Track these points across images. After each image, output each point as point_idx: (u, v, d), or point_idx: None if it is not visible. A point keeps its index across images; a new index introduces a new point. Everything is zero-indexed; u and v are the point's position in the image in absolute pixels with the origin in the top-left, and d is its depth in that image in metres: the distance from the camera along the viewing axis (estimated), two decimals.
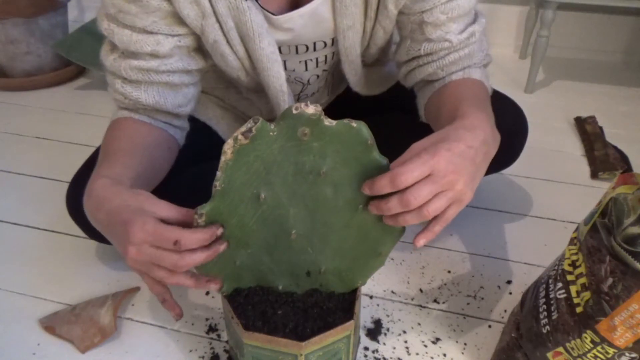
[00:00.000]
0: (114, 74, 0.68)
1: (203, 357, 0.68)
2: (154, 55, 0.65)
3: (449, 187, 0.51)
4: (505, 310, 0.76)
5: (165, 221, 0.51)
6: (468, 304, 0.77)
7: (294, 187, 0.53)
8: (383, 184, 0.50)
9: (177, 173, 0.74)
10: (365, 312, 0.75)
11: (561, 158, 1.17)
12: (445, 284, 0.80)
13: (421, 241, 0.55)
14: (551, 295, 0.55)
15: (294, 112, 0.47)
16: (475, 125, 0.55)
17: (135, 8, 0.61)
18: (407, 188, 0.49)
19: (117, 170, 0.59)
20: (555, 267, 0.57)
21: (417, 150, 0.51)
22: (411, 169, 0.49)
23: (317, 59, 0.76)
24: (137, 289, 0.79)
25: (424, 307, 0.76)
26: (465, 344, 0.70)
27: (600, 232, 0.50)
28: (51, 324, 0.72)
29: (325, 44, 0.74)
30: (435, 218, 0.54)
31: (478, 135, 0.54)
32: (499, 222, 0.95)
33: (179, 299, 0.78)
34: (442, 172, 0.50)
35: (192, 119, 0.82)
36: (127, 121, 0.69)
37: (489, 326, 0.73)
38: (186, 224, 0.52)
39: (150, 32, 0.63)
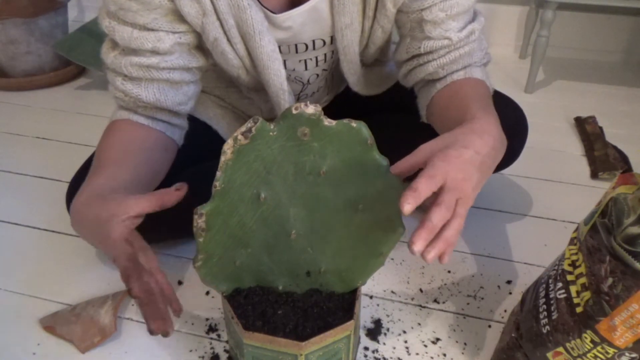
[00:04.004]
0: (115, 71, 0.68)
1: (203, 357, 0.68)
2: (154, 52, 0.65)
3: (459, 195, 0.50)
4: (505, 310, 0.76)
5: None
6: (468, 304, 0.77)
7: (294, 187, 0.53)
8: (408, 202, 0.47)
9: (176, 173, 0.74)
10: (365, 312, 0.75)
11: (561, 158, 1.17)
12: (445, 284, 0.80)
13: (446, 258, 0.50)
14: (551, 295, 0.55)
15: (294, 112, 0.48)
16: (484, 129, 0.55)
17: (136, 5, 0.61)
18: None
19: (100, 182, 0.60)
20: (555, 267, 0.57)
21: (426, 153, 0.51)
22: (428, 186, 0.47)
23: (316, 57, 0.77)
24: None
25: (424, 307, 0.76)
26: (465, 344, 0.70)
27: (600, 232, 0.50)
28: (51, 324, 0.72)
29: (324, 42, 0.74)
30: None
31: (487, 141, 0.54)
32: (499, 222, 0.95)
33: (179, 299, 0.77)
34: (453, 181, 0.50)
35: (192, 119, 0.82)
36: (123, 124, 0.69)
37: (489, 326, 0.73)
38: (164, 205, 0.53)
39: (151, 29, 0.63)
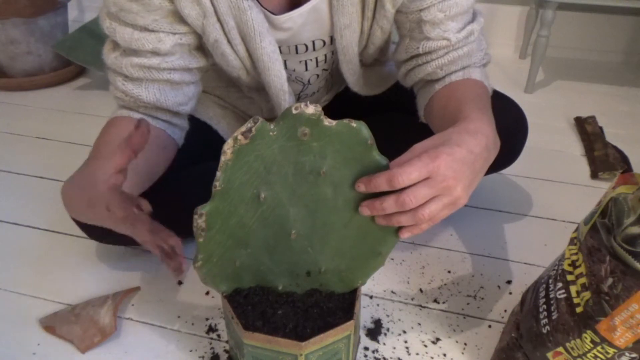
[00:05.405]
0: (116, 71, 0.68)
1: (203, 357, 0.68)
2: (155, 53, 0.65)
3: (446, 191, 0.51)
4: (505, 310, 0.76)
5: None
6: (468, 304, 0.77)
7: (294, 187, 0.53)
8: (380, 183, 0.50)
9: (176, 173, 0.74)
10: (365, 312, 0.75)
11: (561, 158, 1.17)
12: (445, 284, 0.80)
13: (406, 234, 0.55)
14: (551, 295, 0.55)
15: (294, 112, 0.48)
16: (478, 129, 0.55)
17: (137, 6, 0.61)
18: (403, 189, 0.49)
19: (93, 169, 0.60)
20: (555, 267, 0.57)
21: (418, 152, 0.51)
22: (410, 171, 0.49)
23: (316, 58, 0.77)
24: (137, 288, 0.79)
25: (424, 307, 0.76)
26: (465, 344, 0.70)
27: (600, 232, 0.50)
28: (51, 324, 0.72)
29: (324, 43, 0.74)
30: None
31: (480, 141, 0.54)
32: (499, 222, 0.95)
33: (179, 299, 0.78)
34: (441, 176, 0.50)
35: (193, 119, 0.83)
36: (123, 120, 0.69)
37: (489, 326, 0.73)
38: (134, 149, 0.51)
39: (152, 30, 0.64)
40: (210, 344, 0.70)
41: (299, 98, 0.86)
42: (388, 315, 0.75)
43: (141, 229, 0.50)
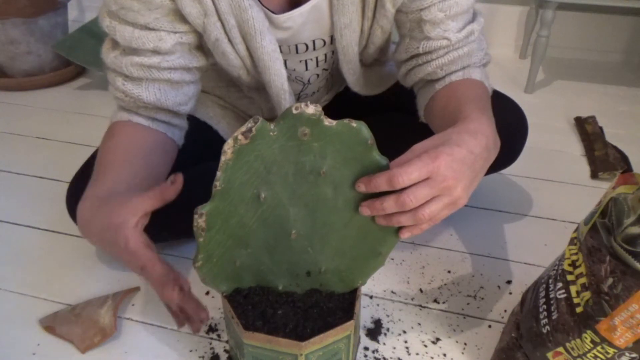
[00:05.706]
0: (115, 71, 0.68)
1: (203, 357, 0.68)
2: (155, 52, 0.65)
3: (446, 191, 0.51)
4: (505, 310, 0.76)
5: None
6: (468, 304, 0.77)
7: (294, 187, 0.53)
8: (380, 183, 0.50)
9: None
10: (365, 312, 0.75)
11: (561, 158, 1.17)
12: (445, 284, 0.80)
13: (406, 234, 0.55)
14: (551, 295, 0.55)
15: (294, 112, 0.48)
16: (478, 129, 0.55)
17: (138, 5, 0.61)
18: (404, 189, 0.50)
19: (103, 187, 0.60)
20: (555, 267, 0.57)
21: (418, 152, 0.51)
22: (410, 171, 0.49)
23: (316, 57, 0.77)
24: (137, 289, 0.79)
25: (424, 307, 0.76)
26: (465, 344, 0.70)
27: (600, 232, 0.50)
28: (51, 324, 0.72)
29: (325, 42, 0.74)
30: None
31: (480, 141, 0.54)
32: (499, 222, 0.95)
33: None
34: (441, 176, 0.50)
35: (193, 119, 0.82)
36: (123, 127, 0.69)
37: (489, 326, 0.73)
38: (166, 199, 0.55)
39: (152, 29, 0.64)
40: (210, 344, 0.70)
41: (299, 98, 0.86)
42: (388, 315, 0.75)
43: (169, 294, 0.53)
